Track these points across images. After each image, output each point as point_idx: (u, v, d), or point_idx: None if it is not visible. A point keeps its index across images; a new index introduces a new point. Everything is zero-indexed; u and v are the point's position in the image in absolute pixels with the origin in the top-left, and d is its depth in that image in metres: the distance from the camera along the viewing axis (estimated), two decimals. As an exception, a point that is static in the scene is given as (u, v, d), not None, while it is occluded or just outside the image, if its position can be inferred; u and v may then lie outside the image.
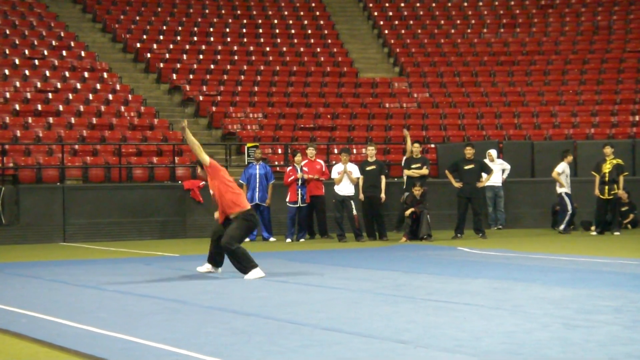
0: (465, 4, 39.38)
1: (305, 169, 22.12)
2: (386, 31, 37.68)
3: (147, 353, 7.35)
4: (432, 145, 28.89)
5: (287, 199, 22.15)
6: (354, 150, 28.19)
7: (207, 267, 13.79)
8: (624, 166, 22.40)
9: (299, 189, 21.94)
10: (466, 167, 21.87)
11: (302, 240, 22.00)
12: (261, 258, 17.00)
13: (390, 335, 7.91)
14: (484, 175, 22.06)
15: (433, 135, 30.25)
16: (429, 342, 7.56)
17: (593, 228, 23.49)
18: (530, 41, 36.72)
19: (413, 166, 22.26)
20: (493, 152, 25.03)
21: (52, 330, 8.54)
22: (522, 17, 38.54)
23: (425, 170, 22.25)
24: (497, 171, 24.61)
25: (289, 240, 21.92)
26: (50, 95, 28.31)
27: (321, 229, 22.78)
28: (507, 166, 25.37)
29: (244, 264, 13.06)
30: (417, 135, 29.24)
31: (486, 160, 23.70)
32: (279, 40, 35.77)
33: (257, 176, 22.04)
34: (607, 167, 22.10)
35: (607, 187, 22.06)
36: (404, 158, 23.62)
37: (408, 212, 21.17)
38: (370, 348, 7.38)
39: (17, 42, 31.38)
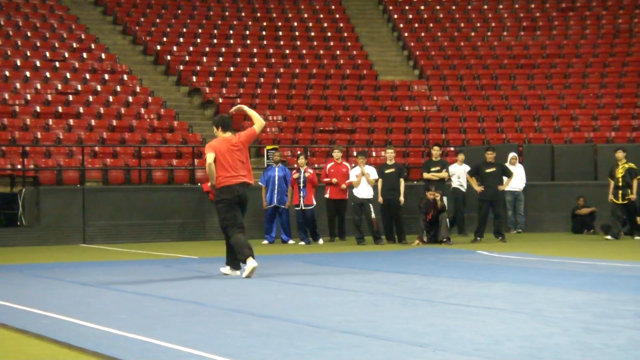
0: (485, 7, 39.32)
1: (310, 171, 22.08)
2: (406, 34, 37.65)
3: (166, 355, 7.35)
4: (452, 149, 28.84)
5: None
6: (373, 153, 28.18)
7: (227, 269, 13.82)
8: (637, 170, 22.28)
9: (300, 192, 21.88)
10: (487, 171, 21.80)
11: (302, 243, 21.85)
12: (279, 260, 17.04)
13: (408, 338, 7.89)
14: (504, 178, 21.99)
15: (452, 138, 30.21)
16: (448, 345, 7.54)
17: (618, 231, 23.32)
18: (551, 44, 36.63)
19: (432, 169, 22.22)
20: (516, 156, 24.95)
21: (72, 331, 8.55)
22: (542, 20, 38.45)
23: (444, 174, 22.20)
24: (518, 175, 24.52)
25: (291, 242, 21.95)
26: (70, 97, 28.43)
27: (341, 231, 22.78)
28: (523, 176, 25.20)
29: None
30: (436, 138, 29.24)
31: (507, 164, 23.64)
32: (298, 43, 35.80)
33: (276, 178, 22.03)
34: (620, 172, 22.00)
35: (621, 192, 21.95)
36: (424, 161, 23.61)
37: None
38: (388, 351, 7.37)
39: (38, 44, 31.53)
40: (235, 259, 13.49)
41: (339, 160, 22.39)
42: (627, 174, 21.94)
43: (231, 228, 13.27)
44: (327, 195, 22.42)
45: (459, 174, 23.58)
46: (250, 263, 13.08)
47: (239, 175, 13.31)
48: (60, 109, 27.62)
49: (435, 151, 22.65)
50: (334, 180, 22.02)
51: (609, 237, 22.04)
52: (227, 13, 37.10)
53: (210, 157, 13.20)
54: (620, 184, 21.96)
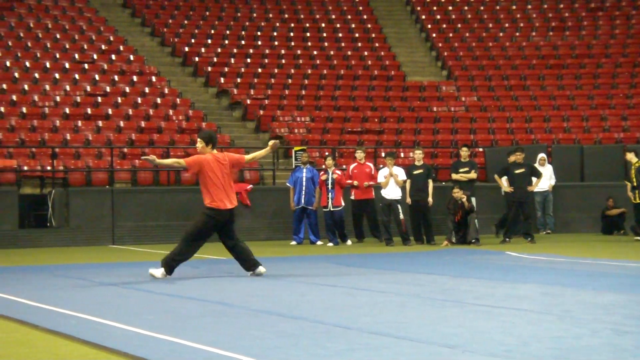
0: (514, 7, 39.17)
1: (338, 172, 22.05)
2: (434, 34, 37.57)
3: (194, 355, 7.36)
4: (480, 149, 28.75)
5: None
6: (402, 154, 28.13)
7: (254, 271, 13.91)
8: None
9: (329, 193, 21.85)
10: (517, 172, 21.69)
11: (330, 244, 21.81)
12: (308, 262, 17.04)
13: (437, 339, 7.87)
14: (534, 179, 21.89)
15: (481, 139, 30.12)
16: (477, 347, 7.51)
17: None
18: (580, 44, 36.45)
19: (461, 170, 22.15)
20: (545, 157, 24.84)
21: (101, 331, 8.59)
22: (571, 20, 38.27)
23: (473, 174, 22.14)
24: (546, 175, 24.42)
25: (320, 243, 21.96)
26: (99, 99, 28.56)
27: (373, 231, 22.71)
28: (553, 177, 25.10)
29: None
30: (465, 139, 29.16)
31: (536, 165, 23.55)
32: (326, 44, 35.81)
33: (304, 180, 22.03)
34: (633, 173, 21.88)
35: (637, 192, 21.80)
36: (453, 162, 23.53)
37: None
38: (417, 352, 7.35)
39: (67, 46, 31.70)
40: (172, 265, 13.53)
41: (361, 160, 22.33)
42: (637, 173, 21.78)
43: (193, 241, 13.66)
44: (352, 197, 22.39)
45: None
46: (163, 272, 13.43)
47: (231, 198, 13.81)
48: (89, 111, 27.75)
49: (464, 152, 22.58)
50: (355, 182, 21.95)
51: (638, 237, 21.90)
52: (254, 14, 37.16)
53: (184, 162, 13.78)
54: (635, 184, 21.84)
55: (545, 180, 24.28)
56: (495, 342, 7.72)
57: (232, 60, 33.39)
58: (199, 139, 13.82)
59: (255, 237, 23.77)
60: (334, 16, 37.98)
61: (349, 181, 22.18)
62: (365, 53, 35.55)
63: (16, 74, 29.10)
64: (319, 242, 22.11)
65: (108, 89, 29.42)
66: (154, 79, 30.94)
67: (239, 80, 32.06)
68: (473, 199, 21.68)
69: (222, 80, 31.93)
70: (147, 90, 29.93)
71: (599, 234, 24.30)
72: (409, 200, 21.61)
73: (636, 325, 8.56)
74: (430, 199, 21.58)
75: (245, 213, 23.89)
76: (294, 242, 22.14)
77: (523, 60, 35.64)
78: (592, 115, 31.87)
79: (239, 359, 7.10)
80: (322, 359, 7.11)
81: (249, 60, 33.68)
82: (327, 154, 25.17)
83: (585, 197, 25.58)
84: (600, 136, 30.22)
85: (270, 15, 37.29)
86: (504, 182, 21.76)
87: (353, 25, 37.52)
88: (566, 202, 25.67)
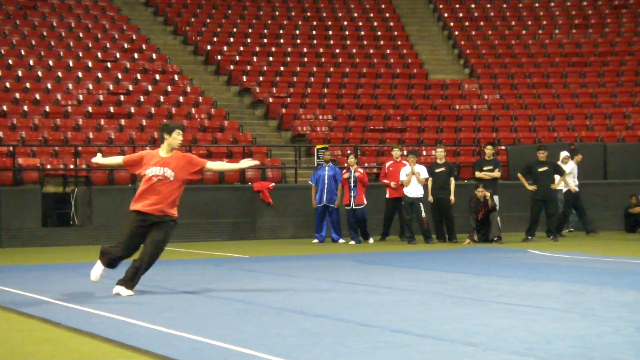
0: (537, 5, 39.04)
1: (360, 170, 22.01)
2: (456, 32, 37.50)
3: (217, 353, 7.38)
4: (503, 147, 28.67)
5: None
6: (424, 152, 28.09)
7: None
8: None
9: (351, 191, 21.83)
10: (540, 170, 21.66)
11: (352, 242, 21.81)
12: (330, 260, 17.05)
13: (459, 337, 7.86)
14: (557, 177, 21.81)
15: (503, 137, 30.03)
16: (499, 345, 7.50)
17: None
18: (603, 42, 36.29)
19: (485, 168, 22.10)
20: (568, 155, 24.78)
21: (123, 330, 8.62)
22: (594, 17, 38.10)
23: (497, 173, 22.07)
24: (570, 173, 24.34)
25: (342, 241, 21.96)
26: (122, 98, 28.65)
27: (402, 230, 22.65)
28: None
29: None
30: (487, 137, 29.08)
31: (559, 162, 23.48)
32: (348, 42, 35.80)
33: (326, 177, 22.03)
34: None
35: None
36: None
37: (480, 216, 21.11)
38: (439, 350, 7.34)
39: (90, 45, 31.81)
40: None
41: (398, 159, 22.28)
42: None
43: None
44: (387, 195, 22.33)
45: (574, 173, 23.38)
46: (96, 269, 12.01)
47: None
48: (111, 109, 27.84)
49: (489, 150, 22.51)
50: (392, 184, 21.91)
51: None
52: (277, 13, 37.19)
53: None
54: None
55: (570, 177, 24.21)
56: (518, 340, 7.71)
57: (255, 59, 33.42)
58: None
59: (278, 235, 23.82)
60: (356, 14, 37.97)
61: (385, 181, 22.16)
62: (388, 51, 35.51)
63: (39, 73, 29.23)
64: (340, 240, 22.10)
65: (130, 87, 29.51)
66: (176, 77, 31.01)
67: (261, 78, 32.08)
68: (496, 197, 21.63)
69: (244, 78, 31.96)
70: (169, 88, 30.00)
71: (622, 232, 24.20)
72: (431, 198, 21.58)
73: (660, 323, 8.53)
74: (452, 197, 21.55)
75: (268, 211, 23.92)
76: (315, 240, 22.14)
77: (546, 58, 35.52)
78: (615, 113, 31.73)
79: (262, 357, 7.11)
80: (344, 357, 7.11)
81: (271, 58, 33.71)
82: (349, 152, 25.14)
83: (608, 195, 25.47)
84: (623, 134, 30.08)
85: (293, 14, 37.31)
86: (526, 181, 21.73)
87: (375, 23, 37.49)
88: (589, 199, 25.55)
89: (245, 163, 12.10)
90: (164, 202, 11.72)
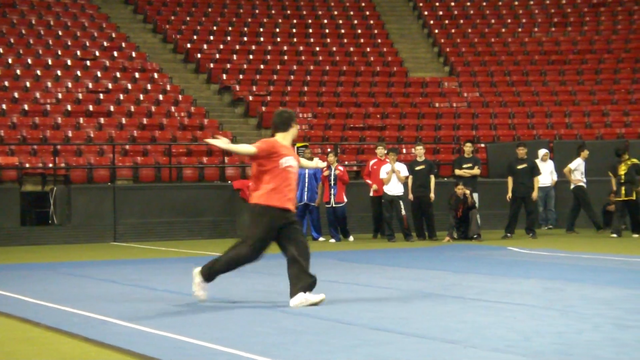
0: (516, 3, 39.16)
1: (340, 168, 22.02)
2: (436, 30, 37.56)
3: (198, 352, 7.38)
4: (482, 145, 28.74)
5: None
6: (404, 150, 28.13)
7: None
8: None
9: (331, 189, 21.84)
10: (519, 167, 21.76)
11: (332, 241, 21.81)
12: (311, 257, 17.03)
13: (439, 335, 7.88)
14: (535, 179, 21.94)
15: (483, 134, 30.11)
16: (479, 342, 7.52)
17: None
18: (582, 40, 36.42)
19: (464, 166, 22.16)
20: (547, 152, 24.86)
21: (104, 329, 8.60)
22: (573, 15, 38.24)
23: (476, 170, 22.15)
24: (547, 171, 24.45)
25: (322, 239, 21.95)
26: (101, 96, 28.56)
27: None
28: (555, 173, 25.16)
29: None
30: (467, 135, 29.16)
31: (538, 160, 23.58)
32: (328, 40, 35.81)
33: (306, 176, 22.02)
34: (622, 169, 21.77)
35: (624, 189, 21.73)
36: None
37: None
38: (419, 348, 7.36)
39: (69, 43, 31.70)
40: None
41: (382, 157, 22.28)
42: (631, 170, 21.68)
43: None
44: (371, 193, 22.31)
45: (581, 169, 23.47)
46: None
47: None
48: (90, 108, 27.76)
49: (468, 148, 22.61)
50: (374, 186, 21.90)
51: (614, 235, 21.78)
52: (257, 11, 37.15)
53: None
54: (622, 180, 21.75)
55: (547, 175, 24.34)
56: (497, 337, 7.73)
57: (234, 57, 33.38)
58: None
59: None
60: (336, 12, 37.97)
61: (368, 181, 22.13)
62: (368, 49, 35.54)
63: (18, 71, 29.11)
64: (321, 239, 22.12)
65: (110, 85, 29.43)
66: (156, 75, 30.94)
67: (241, 76, 32.06)
68: (475, 195, 21.70)
69: (224, 76, 31.93)
70: (149, 87, 29.94)
71: (600, 229, 24.27)
72: (411, 196, 21.63)
73: (638, 320, 8.57)
74: (432, 195, 21.61)
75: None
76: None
77: (525, 56, 35.63)
78: (594, 110, 31.85)
79: (243, 356, 7.11)
80: (325, 355, 7.12)
81: (251, 56, 33.68)
82: (329, 150, 25.17)
83: (568, 192, 25.52)
84: (601, 132, 30.21)
85: (273, 12, 37.28)
86: (510, 183, 21.84)
87: (355, 22, 37.51)
88: (568, 197, 25.63)
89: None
90: (295, 197, 10.44)
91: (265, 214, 10.10)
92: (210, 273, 10.26)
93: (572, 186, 23.23)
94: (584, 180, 23.14)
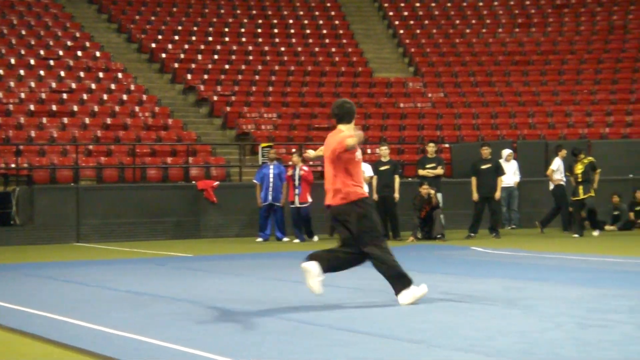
0: (480, 4, 39.31)
1: (305, 168, 22.01)
2: (401, 31, 37.65)
3: (161, 353, 7.35)
4: (446, 145, 28.83)
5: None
6: (368, 150, 28.17)
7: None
8: (597, 163, 22.24)
9: (295, 189, 21.84)
10: (483, 167, 21.87)
11: (296, 241, 21.80)
12: (274, 258, 17.04)
13: (403, 335, 7.90)
14: (498, 179, 22.04)
15: (447, 135, 30.21)
16: (443, 342, 7.55)
17: (607, 227, 23.67)
18: (545, 41, 36.64)
19: (428, 166, 22.24)
20: (511, 152, 25.00)
21: (66, 330, 8.55)
22: (537, 16, 38.45)
23: (440, 170, 22.23)
24: (511, 171, 24.59)
25: (286, 240, 21.94)
26: (65, 96, 28.39)
27: None
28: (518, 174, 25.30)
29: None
30: (431, 135, 29.24)
31: (502, 161, 23.70)
32: (293, 40, 35.79)
33: (271, 176, 22.03)
34: (579, 168, 21.93)
35: (581, 188, 21.89)
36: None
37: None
38: (384, 348, 7.37)
39: (32, 42, 31.48)
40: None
41: None
42: (587, 169, 21.84)
43: None
44: None
45: (561, 169, 23.55)
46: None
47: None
48: (54, 108, 27.58)
49: (431, 148, 22.71)
50: None
51: (576, 235, 21.93)
52: (222, 11, 37.06)
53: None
54: (580, 179, 21.90)
55: (510, 175, 24.49)
56: (461, 336, 7.76)
57: (199, 57, 33.29)
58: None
59: (222, 234, 23.75)
60: (301, 12, 37.96)
61: None
62: (333, 49, 35.56)
63: (-20, 71, 28.90)
64: (285, 239, 22.11)
65: (74, 85, 29.25)
66: (120, 75, 30.79)
67: (205, 76, 31.98)
68: (439, 195, 21.78)
69: (188, 76, 31.83)
70: (113, 87, 29.79)
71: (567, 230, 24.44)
72: (375, 196, 21.66)
73: (599, 319, 8.63)
74: (396, 195, 21.67)
75: (212, 210, 23.86)
76: (260, 239, 22.13)
77: (489, 56, 35.79)
78: (557, 111, 32.07)
79: (207, 357, 7.09)
80: (289, 356, 7.12)
81: (216, 56, 33.60)
82: (294, 150, 25.16)
83: (549, 193, 25.66)
84: (564, 132, 30.41)
85: (238, 12, 37.20)
86: (473, 184, 21.91)
87: (321, 22, 37.51)
88: (531, 197, 25.82)
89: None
90: None
91: (371, 204, 10.31)
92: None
93: (551, 187, 23.29)
94: (564, 180, 23.26)
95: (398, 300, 9.84)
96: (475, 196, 21.80)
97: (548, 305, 9.66)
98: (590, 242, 20.09)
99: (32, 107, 27.27)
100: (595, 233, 21.99)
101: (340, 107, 10.26)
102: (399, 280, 9.98)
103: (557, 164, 23.09)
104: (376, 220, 10.12)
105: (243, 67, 33.09)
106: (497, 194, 22.07)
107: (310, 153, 10.74)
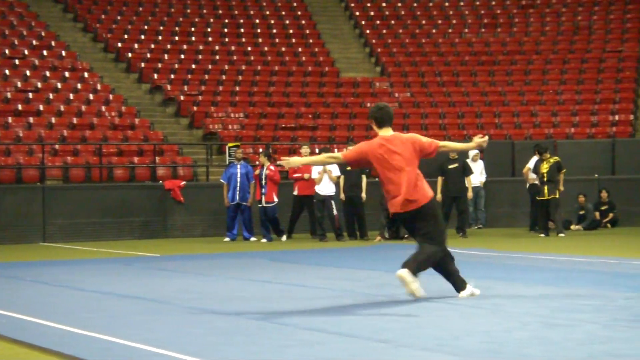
0: (447, 4, 39.43)
1: (272, 168, 21.99)
2: (367, 31, 37.70)
3: (128, 353, 7.33)
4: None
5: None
6: (335, 150, 28.18)
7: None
8: (562, 163, 22.32)
9: (262, 189, 21.82)
10: (450, 167, 21.95)
11: (264, 240, 21.79)
12: (242, 258, 17.03)
13: (371, 334, 7.92)
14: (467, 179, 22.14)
15: (414, 134, 30.24)
16: (410, 341, 7.57)
17: (573, 227, 23.85)
18: (511, 41, 36.82)
19: (394, 166, 22.25)
20: (478, 152, 25.12)
21: (33, 330, 8.51)
22: (503, 17, 38.62)
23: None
24: (478, 171, 24.72)
25: (253, 239, 21.93)
26: (30, 95, 28.21)
27: (312, 228, 22.65)
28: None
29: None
30: (398, 135, 29.27)
31: (469, 160, 23.81)
32: (260, 40, 35.75)
33: (238, 176, 22.02)
34: (545, 167, 22.00)
35: (546, 187, 21.95)
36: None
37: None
38: (351, 348, 7.39)
39: (-3, 41, 31.27)
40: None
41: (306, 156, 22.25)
42: (553, 168, 21.88)
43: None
44: (295, 192, 22.30)
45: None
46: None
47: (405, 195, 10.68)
48: (20, 107, 27.40)
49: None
50: (306, 175, 21.84)
51: (542, 234, 22.03)
52: (188, 10, 36.96)
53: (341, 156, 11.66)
54: (545, 179, 21.96)
55: (477, 175, 24.60)
56: (428, 336, 7.79)
57: (166, 56, 33.18)
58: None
59: (189, 234, 23.71)
60: (268, 12, 37.91)
61: (297, 175, 22.05)
62: (300, 49, 35.57)
63: (-55, 70, 28.67)
64: (252, 239, 22.10)
65: (39, 85, 29.08)
66: (86, 75, 30.64)
67: (172, 76, 31.89)
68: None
69: (155, 76, 31.72)
70: (79, 86, 29.64)
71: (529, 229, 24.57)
72: (342, 196, 21.69)
73: (565, 318, 8.69)
74: (363, 195, 21.71)
75: (179, 209, 23.80)
76: (227, 239, 22.11)
77: (455, 56, 35.92)
78: (523, 111, 32.23)
79: (174, 357, 7.08)
80: (256, 356, 7.12)
81: (182, 56, 33.51)
82: (261, 150, 25.15)
83: (516, 192, 25.85)
84: (530, 132, 30.58)
85: (204, 11, 37.12)
86: (440, 182, 21.99)
87: (287, 22, 37.49)
88: (497, 197, 25.96)
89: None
90: None
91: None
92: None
93: (527, 185, 23.42)
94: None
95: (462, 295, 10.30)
96: (439, 196, 21.85)
97: (514, 304, 9.71)
98: (557, 242, 20.22)
99: (-3, 107, 27.09)
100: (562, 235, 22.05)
101: (380, 110, 11.28)
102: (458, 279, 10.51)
103: (533, 163, 23.20)
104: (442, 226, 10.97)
105: (210, 66, 33.03)
106: (470, 194, 22.17)
107: (296, 159, 11.25)
